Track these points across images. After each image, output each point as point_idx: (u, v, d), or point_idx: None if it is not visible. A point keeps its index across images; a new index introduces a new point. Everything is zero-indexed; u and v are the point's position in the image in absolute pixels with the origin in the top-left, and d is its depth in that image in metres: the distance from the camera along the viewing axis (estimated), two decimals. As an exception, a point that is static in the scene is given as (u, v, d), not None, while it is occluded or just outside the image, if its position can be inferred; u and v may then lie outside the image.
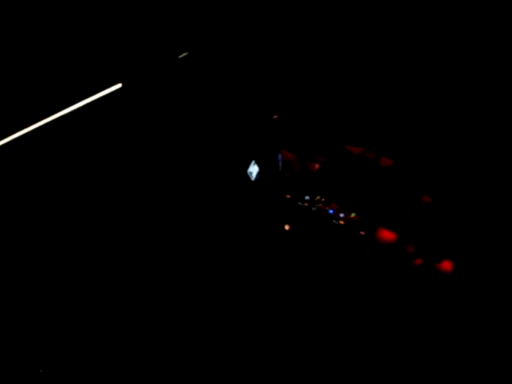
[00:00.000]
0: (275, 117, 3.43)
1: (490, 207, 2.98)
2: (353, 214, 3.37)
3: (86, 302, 3.10)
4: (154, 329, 3.03)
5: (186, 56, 3.30)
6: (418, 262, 3.14)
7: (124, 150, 3.21)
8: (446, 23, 2.90)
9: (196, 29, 3.31)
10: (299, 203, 3.43)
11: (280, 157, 3.44)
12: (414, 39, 3.03)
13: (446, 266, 3.03)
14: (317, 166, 3.42)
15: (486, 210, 2.99)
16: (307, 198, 3.43)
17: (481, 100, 2.93)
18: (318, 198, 3.42)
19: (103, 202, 3.27)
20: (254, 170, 3.48)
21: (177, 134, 3.35)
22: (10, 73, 2.83)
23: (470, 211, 3.02)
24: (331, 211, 3.39)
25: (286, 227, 3.43)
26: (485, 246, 2.94)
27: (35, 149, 2.94)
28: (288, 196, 3.45)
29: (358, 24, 3.13)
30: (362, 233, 3.31)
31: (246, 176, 3.46)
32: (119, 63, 3.13)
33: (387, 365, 2.80)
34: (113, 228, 3.28)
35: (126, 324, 3.05)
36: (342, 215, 3.38)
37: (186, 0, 3.23)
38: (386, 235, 3.29)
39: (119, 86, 3.08)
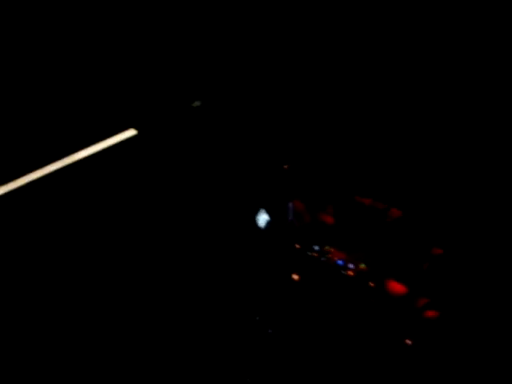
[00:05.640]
0: (286, 167, 3.46)
1: (503, 258, 3.02)
2: (362, 265, 3.35)
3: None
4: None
5: (199, 105, 3.35)
6: (430, 314, 3.11)
7: (137, 195, 3.16)
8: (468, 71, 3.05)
9: (210, 79, 3.38)
10: (308, 253, 3.40)
11: (290, 206, 3.44)
12: (426, 88, 3.16)
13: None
14: (327, 216, 3.43)
15: (498, 261, 3.03)
16: (316, 248, 3.41)
17: (493, 151, 3.05)
18: (328, 248, 3.40)
19: (115, 248, 3.17)
20: (262, 218, 3.46)
21: (189, 181, 3.33)
22: (26, 119, 2.80)
23: (482, 263, 3.05)
24: (340, 262, 3.37)
25: (295, 277, 3.38)
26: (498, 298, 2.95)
27: (49, 192, 2.87)
28: (297, 246, 3.42)
29: (369, 75, 3.26)
30: (371, 284, 3.29)
31: (255, 224, 3.43)
32: (134, 110, 3.14)
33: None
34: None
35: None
36: (351, 266, 3.35)
37: (201, 51, 3.32)
38: (396, 287, 3.27)
39: (134, 132, 3.08)
